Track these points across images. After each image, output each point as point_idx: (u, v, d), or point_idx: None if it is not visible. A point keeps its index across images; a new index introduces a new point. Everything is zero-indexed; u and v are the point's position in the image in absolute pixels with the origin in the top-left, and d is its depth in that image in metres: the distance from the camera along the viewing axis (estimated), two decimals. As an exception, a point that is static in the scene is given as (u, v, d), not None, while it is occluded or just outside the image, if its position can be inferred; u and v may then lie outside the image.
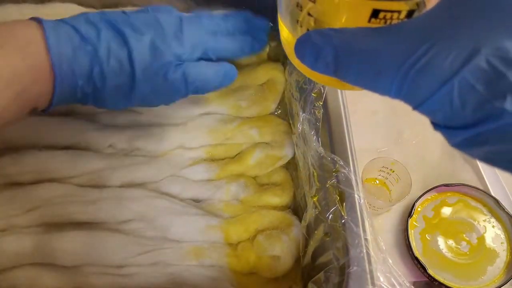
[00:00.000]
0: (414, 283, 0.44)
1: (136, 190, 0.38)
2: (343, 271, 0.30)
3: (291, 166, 0.43)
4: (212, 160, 0.42)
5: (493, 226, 0.46)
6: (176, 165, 0.40)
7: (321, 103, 0.36)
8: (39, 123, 0.39)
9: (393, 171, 0.46)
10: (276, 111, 0.45)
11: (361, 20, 0.19)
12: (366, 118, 0.52)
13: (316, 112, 0.36)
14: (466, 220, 0.46)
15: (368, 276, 0.29)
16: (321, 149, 0.35)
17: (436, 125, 0.18)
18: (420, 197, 0.46)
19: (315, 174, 0.35)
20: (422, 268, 0.43)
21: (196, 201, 0.40)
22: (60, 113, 0.41)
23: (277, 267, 0.36)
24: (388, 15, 0.19)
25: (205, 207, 0.40)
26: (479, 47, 0.16)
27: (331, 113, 0.36)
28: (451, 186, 0.46)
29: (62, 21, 0.32)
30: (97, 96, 0.32)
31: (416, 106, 0.18)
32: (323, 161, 0.34)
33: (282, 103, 0.45)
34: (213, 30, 0.36)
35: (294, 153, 0.42)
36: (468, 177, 0.49)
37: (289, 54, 0.27)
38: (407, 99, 0.18)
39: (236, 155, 0.42)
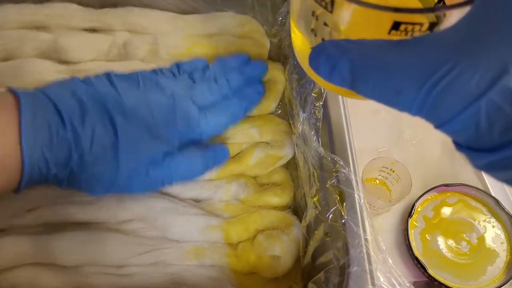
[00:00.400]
0: (414, 283, 0.44)
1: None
2: (343, 271, 0.30)
3: (291, 166, 0.43)
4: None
5: (493, 226, 0.46)
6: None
7: (321, 103, 0.36)
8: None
9: (393, 171, 0.46)
10: (276, 111, 0.45)
11: (380, 32, 0.18)
12: (366, 118, 0.52)
13: (316, 112, 0.36)
14: (466, 220, 0.46)
15: (368, 276, 0.29)
16: (321, 149, 0.35)
17: (459, 146, 0.17)
18: (420, 197, 0.46)
19: (315, 174, 0.35)
20: (422, 268, 0.43)
21: (196, 201, 0.40)
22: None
23: (277, 267, 0.36)
24: (410, 27, 0.18)
25: (205, 207, 0.40)
26: (507, 67, 0.15)
27: (331, 113, 0.36)
28: (451, 186, 0.46)
29: (44, 93, 0.30)
30: (72, 181, 0.30)
31: (439, 126, 0.17)
32: (323, 161, 0.34)
33: (282, 103, 0.45)
34: (204, 104, 0.36)
35: (294, 153, 0.42)
36: (468, 177, 0.49)
37: (300, 59, 0.26)
38: (429, 118, 0.17)
39: (236, 154, 0.42)
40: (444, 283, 0.42)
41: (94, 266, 0.35)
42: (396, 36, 0.18)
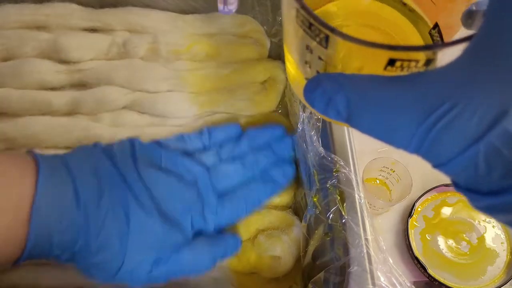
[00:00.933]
0: (414, 283, 0.44)
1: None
2: (344, 271, 0.30)
3: (291, 165, 0.43)
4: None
5: (493, 226, 0.46)
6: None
7: (322, 103, 0.36)
8: (41, 123, 0.39)
9: (393, 171, 0.46)
10: (277, 110, 0.45)
11: (376, 67, 0.18)
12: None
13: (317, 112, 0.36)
14: (466, 220, 0.46)
15: (369, 275, 0.29)
16: (321, 149, 0.35)
17: (458, 186, 0.17)
18: (420, 197, 0.46)
19: (315, 174, 0.35)
20: (422, 268, 0.43)
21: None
22: (62, 113, 0.41)
23: (277, 267, 0.36)
24: (406, 63, 0.18)
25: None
26: (506, 109, 0.14)
27: (331, 113, 0.36)
28: (451, 186, 0.46)
29: (66, 164, 0.28)
30: (72, 261, 0.28)
31: (436, 166, 0.17)
32: (323, 161, 0.34)
33: (282, 103, 0.45)
34: (226, 189, 0.34)
35: (295, 153, 0.42)
36: (468, 177, 0.49)
37: (294, 87, 0.25)
38: (426, 157, 0.17)
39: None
40: (444, 283, 0.42)
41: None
42: (392, 72, 0.18)
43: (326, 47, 0.19)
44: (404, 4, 0.25)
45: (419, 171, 0.49)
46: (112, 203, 0.28)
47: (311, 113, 0.36)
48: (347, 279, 0.29)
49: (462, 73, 0.15)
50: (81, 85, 0.42)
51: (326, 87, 0.18)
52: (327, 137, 0.35)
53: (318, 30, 0.18)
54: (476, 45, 0.15)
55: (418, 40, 0.24)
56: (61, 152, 0.38)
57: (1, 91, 0.40)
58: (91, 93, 0.41)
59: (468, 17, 0.21)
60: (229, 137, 0.38)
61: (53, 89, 0.42)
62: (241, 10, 0.45)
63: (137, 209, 0.29)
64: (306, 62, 0.21)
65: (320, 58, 0.20)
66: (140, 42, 0.42)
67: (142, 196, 0.30)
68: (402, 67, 0.18)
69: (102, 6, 0.44)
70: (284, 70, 0.45)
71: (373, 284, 0.29)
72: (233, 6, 0.26)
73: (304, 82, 0.21)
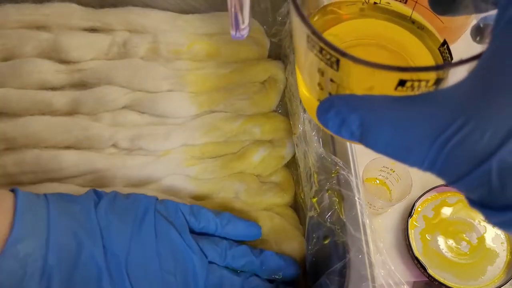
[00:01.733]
0: (414, 283, 0.44)
1: (138, 190, 0.38)
2: (343, 273, 0.30)
3: (292, 165, 0.43)
4: (214, 158, 0.42)
5: (493, 226, 0.46)
6: (178, 164, 0.40)
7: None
8: (41, 123, 0.39)
9: (393, 171, 0.46)
10: (277, 110, 0.45)
11: (387, 88, 0.18)
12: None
13: (317, 112, 0.36)
14: (466, 220, 0.46)
15: (369, 277, 0.29)
16: (322, 150, 0.34)
17: (473, 202, 0.17)
18: (420, 197, 0.46)
19: (315, 175, 0.35)
20: (422, 268, 0.43)
21: (198, 200, 0.40)
22: (62, 113, 0.41)
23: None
24: (416, 84, 0.18)
25: (205, 204, 0.40)
26: None
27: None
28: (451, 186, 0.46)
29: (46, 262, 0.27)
30: None
31: (451, 183, 0.17)
32: (323, 162, 0.34)
33: (282, 103, 0.45)
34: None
35: (295, 153, 0.42)
36: (468, 177, 0.49)
37: (307, 107, 0.26)
38: (440, 175, 0.17)
39: (238, 151, 0.42)
40: (444, 283, 0.42)
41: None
42: (402, 92, 0.18)
43: (337, 70, 0.19)
44: (413, 22, 0.25)
45: (419, 171, 0.49)
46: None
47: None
48: (347, 281, 0.29)
49: (472, 91, 0.16)
50: (81, 85, 0.42)
51: (339, 109, 0.18)
52: (328, 137, 0.35)
53: (329, 54, 0.18)
54: (485, 63, 0.16)
55: (428, 57, 0.24)
56: (62, 151, 0.39)
57: (1, 91, 0.40)
58: (91, 92, 0.41)
59: (477, 33, 0.21)
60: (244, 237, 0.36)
61: (53, 89, 0.42)
62: (241, 10, 0.45)
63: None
64: (318, 84, 0.21)
65: (331, 80, 0.20)
66: (140, 42, 0.42)
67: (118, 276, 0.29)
68: (412, 87, 0.18)
69: (102, 6, 0.44)
70: (284, 69, 0.45)
71: (373, 286, 0.29)
72: (245, 31, 0.26)
73: (316, 103, 0.21)
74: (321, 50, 0.18)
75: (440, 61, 0.24)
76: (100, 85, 0.41)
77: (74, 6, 0.43)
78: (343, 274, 0.30)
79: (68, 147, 0.40)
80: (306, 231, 0.36)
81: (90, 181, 0.38)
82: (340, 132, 0.19)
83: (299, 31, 0.19)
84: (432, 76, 0.18)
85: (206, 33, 0.44)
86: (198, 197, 0.40)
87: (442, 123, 0.16)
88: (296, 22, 0.19)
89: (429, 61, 0.24)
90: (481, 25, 0.21)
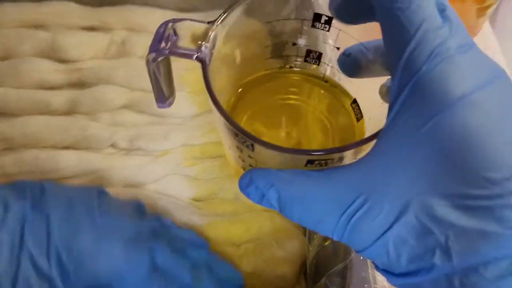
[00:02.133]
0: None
1: (137, 190, 0.38)
2: (344, 274, 0.30)
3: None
4: (214, 158, 0.42)
5: None
6: (178, 164, 0.40)
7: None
8: (40, 123, 0.39)
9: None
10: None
11: (298, 165, 0.20)
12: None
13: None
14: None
15: (371, 279, 0.29)
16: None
17: (377, 267, 0.19)
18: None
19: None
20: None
21: (198, 200, 0.40)
22: (61, 112, 0.41)
23: (279, 268, 0.36)
24: (323, 162, 0.20)
25: (205, 206, 0.39)
26: (408, 204, 0.17)
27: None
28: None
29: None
30: None
31: (358, 252, 0.19)
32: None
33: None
34: None
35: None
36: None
37: (234, 174, 0.28)
38: (349, 244, 0.19)
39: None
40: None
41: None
42: (313, 168, 0.20)
43: (253, 151, 0.21)
44: (326, 81, 0.28)
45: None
46: None
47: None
48: (348, 283, 0.29)
49: (371, 169, 0.18)
50: (80, 84, 0.42)
51: (258, 184, 0.20)
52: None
53: (244, 138, 0.20)
54: (381, 143, 0.18)
55: (345, 113, 0.27)
56: (61, 151, 0.38)
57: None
58: (90, 92, 0.41)
59: (386, 93, 0.23)
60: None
61: (51, 88, 0.41)
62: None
63: None
64: (239, 157, 0.23)
65: (250, 156, 0.22)
66: (139, 41, 0.42)
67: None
68: (320, 164, 0.20)
69: (100, 4, 0.44)
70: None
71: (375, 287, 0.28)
72: (171, 100, 0.26)
73: (240, 170, 0.24)
74: (236, 134, 0.20)
75: (353, 116, 0.27)
76: (99, 85, 0.41)
77: (73, 5, 0.43)
78: (344, 275, 0.30)
79: (66, 147, 0.39)
80: (307, 232, 0.36)
81: (88, 181, 0.38)
82: (262, 203, 0.20)
83: (217, 114, 0.21)
84: (336, 155, 0.20)
85: (206, 32, 0.44)
86: (197, 198, 0.40)
87: (346, 199, 0.18)
88: (212, 107, 0.21)
89: (344, 116, 0.27)
90: (388, 85, 0.23)
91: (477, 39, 0.47)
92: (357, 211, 0.18)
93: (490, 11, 0.43)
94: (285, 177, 0.19)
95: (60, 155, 0.38)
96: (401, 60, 0.17)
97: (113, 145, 0.40)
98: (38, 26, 0.42)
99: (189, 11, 0.45)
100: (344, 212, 0.18)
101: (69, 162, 0.38)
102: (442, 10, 0.18)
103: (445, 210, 0.17)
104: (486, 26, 0.50)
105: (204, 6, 0.45)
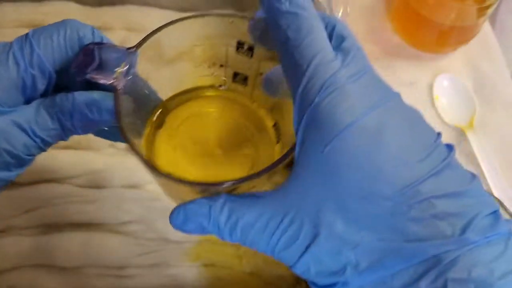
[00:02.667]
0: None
1: (137, 191, 0.38)
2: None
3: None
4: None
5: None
6: (177, 164, 0.40)
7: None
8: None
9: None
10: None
11: (214, 194, 0.22)
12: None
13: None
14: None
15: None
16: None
17: (305, 281, 0.21)
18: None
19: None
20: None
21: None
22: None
23: (279, 268, 0.36)
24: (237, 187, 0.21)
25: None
26: (318, 225, 0.19)
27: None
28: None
29: None
30: None
31: (289, 268, 0.20)
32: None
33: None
34: None
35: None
36: (470, 177, 0.49)
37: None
38: (281, 261, 0.20)
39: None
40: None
41: (94, 267, 0.35)
42: (234, 192, 0.21)
43: (162, 184, 0.23)
44: (254, 102, 0.29)
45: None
46: None
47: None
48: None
49: (289, 194, 0.19)
50: (80, 84, 0.42)
51: (195, 219, 0.21)
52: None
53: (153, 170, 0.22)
54: (295, 168, 0.20)
55: (266, 135, 0.27)
56: (60, 151, 0.38)
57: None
58: (90, 92, 0.41)
59: (269, 86, 0.25)
60: None
61: (51, 88, 0.41)
62: (241, 8, 0.45)
63: None
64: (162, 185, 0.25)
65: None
66: (138, 41, 0.42)
67: None
68: (235, 189, 0.21)
69: (100, 4, 0.44)
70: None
71: None
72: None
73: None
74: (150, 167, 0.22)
75: (274, 138, 0.27)
76: (99, 85, 0.41)
77: (72, 4, 0.43)
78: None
79: (66, 147, 0.39)
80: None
81: (88, 181, 0.38)
82: (202, 234, 0.22)
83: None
84: (247, 183, 0.21)
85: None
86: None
87: (273, 222, 0.19)
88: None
89: (265, 138, 0.27)
90: (270, 76, 0.25)
91: (477, 39, 0.47)
92: (284, 232, 0.19)
93: (490, 11, 0.43)
94: (218, 206, 0.20)
95: (59, 156, 0.38)
96: (297, 92, 0.19)
97: (112, 145, 0.40)
98: (38, 26, 0.42)
99: (189, 10, 0.45)
100: (273, 234, 0.19)
101: (68, 162, 0.38)
102: (340, 42, 0.19)
103: (349, 230, 0.18)
104: (486, 26, 0.50)
105: (204, 6, 0.45)
